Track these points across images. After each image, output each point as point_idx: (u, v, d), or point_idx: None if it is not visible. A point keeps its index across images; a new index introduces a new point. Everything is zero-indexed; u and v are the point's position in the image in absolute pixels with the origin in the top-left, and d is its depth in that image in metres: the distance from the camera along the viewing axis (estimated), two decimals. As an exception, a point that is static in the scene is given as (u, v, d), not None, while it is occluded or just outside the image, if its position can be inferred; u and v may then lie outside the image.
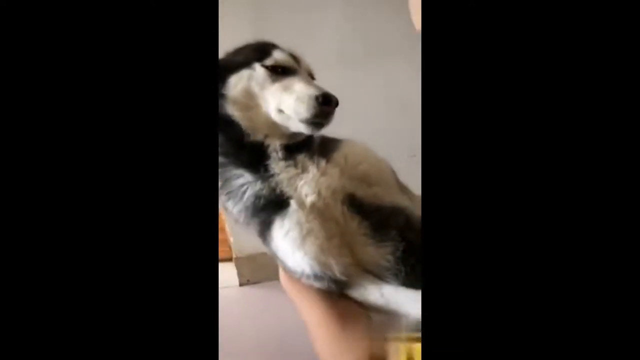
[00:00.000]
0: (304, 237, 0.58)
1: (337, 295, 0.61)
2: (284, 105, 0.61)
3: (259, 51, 0.65)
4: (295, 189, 0.61)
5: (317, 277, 0.58)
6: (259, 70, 0.63)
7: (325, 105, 0.58)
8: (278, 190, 0.62)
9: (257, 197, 0.62)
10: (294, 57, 0.67)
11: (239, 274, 2.10)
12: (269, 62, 0.64)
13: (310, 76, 0.69)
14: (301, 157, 0.63)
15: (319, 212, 0.60)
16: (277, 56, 0.64)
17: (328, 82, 0.65)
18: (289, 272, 0.62)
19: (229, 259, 2.24)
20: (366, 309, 0.63)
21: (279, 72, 0.63)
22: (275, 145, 0.63)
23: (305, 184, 0.61)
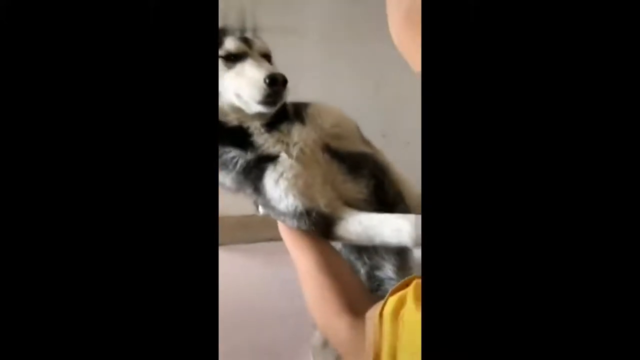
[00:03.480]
0: (295, 176, 0.69)
1: (325, 236, 0.71)
2: (240, 90, 0.69)
3: None
4: (282, 145, 0.72)
5: (307, 212, 0.68)
6: None
7: (273, 86, 0.65)
8: (266, 152, 0.71)
9: (248, 162, 0.71)
10: (246, 41, 0.74)
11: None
12: (221, 52, 0.71)
13: (266, 55, 0.76)
14: (283, 125, 0.73)
15: (304, 157, 0.71)
16: (228, 45, 0.71)
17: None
18: (283, 217, 0.72)
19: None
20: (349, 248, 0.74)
21: (232, 59, 0.71)
22: (255, 125, 0.72)
23: (290, 139, 0.72)
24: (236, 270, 1.94)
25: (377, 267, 0.80)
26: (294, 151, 0.71)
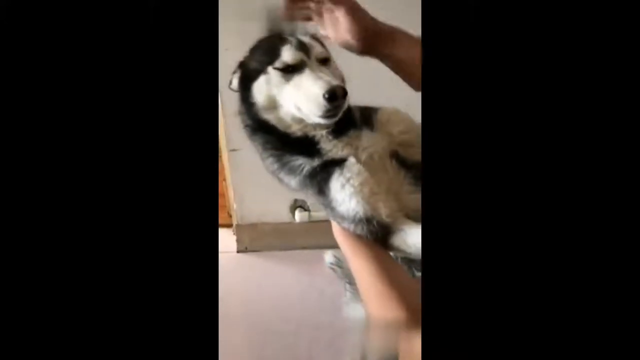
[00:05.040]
0: (362, 183, 0.67)
1: (381, 244, 0.70)
2: (299, 104, 0.67)
3: (269, 52, 0.70)
4: (350, 149, 0.71)
5: (367, 220, 0.67)
6: (272, 73, 0.69)
7: (333, 101, 0.63)
8: (334, 157, 0.70)
9: (314, 168, 0.71)
10: (304, 47, 0.70)
11: (238, 241, 2.13)
12: (278, 64, 0.68)
13: (325, 60, 0.73)
14: (350, 131, 0.72)
15: (372, 164, 0.70)
16: (286, 57, 0.68)
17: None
18: (340, 219, 0.71)
19: (227, 225, 2.29)
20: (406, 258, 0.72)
21: (290, 70, 0.68)
22: (321, 133, 0.71)
23: (359, 143, 0.71)
24: (270, 277, 1.96)
25: None
26: (363, 155, 0.70)
